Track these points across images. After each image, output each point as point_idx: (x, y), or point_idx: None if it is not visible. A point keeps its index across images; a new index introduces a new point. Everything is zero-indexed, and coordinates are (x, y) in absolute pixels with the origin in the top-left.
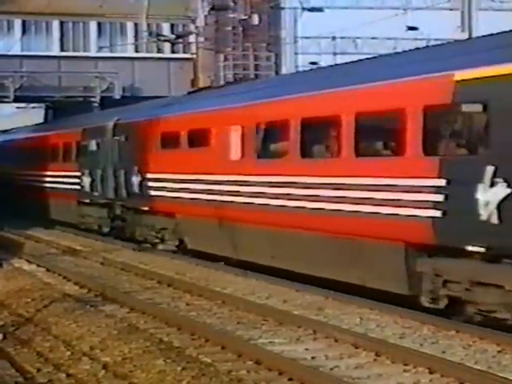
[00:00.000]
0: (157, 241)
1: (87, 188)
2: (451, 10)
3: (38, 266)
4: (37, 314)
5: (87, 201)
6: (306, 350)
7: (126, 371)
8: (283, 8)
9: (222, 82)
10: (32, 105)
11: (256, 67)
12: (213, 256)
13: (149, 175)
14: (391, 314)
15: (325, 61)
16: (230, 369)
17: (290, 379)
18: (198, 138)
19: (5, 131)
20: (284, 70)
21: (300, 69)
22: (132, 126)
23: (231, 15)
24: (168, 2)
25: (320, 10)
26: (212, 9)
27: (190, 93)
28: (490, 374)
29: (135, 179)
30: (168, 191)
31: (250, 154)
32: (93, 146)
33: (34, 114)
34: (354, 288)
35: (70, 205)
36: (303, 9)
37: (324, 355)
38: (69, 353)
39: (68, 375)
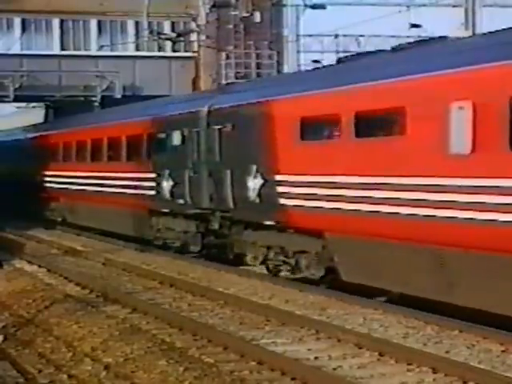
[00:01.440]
0: (288, 267)
1: (166, 194)
2: (455, 6)
3: (40, 266)
4: (38, 315)
5: (166, 210)
6: (309, 350)
7: (128, 372)
8: (285, 5)
9: (223, 81)
10: (32, 104)
11: (258, 65)
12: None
13: (278, 177)
14: (394, 314)
15: (327, 59)
16: (232, 369)
17: (293, 379)
18: (376, 123)
19: (33, 125)
20: (286, 69)
21: (302, 67)
22: (242, 111)
23: (233, 13)
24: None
25: (322, 7)
26: (213, 6)
27: (339, 61)
28: (494, 374)
29: (252, 183)
30: (315, 200)
31: (493, 144)
32: (175, 138)
33: (35, 114)
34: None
35: (136, 215)
36: (305, 6)
37: (327, 355)
38: (70, 354)
39: (69, 376)
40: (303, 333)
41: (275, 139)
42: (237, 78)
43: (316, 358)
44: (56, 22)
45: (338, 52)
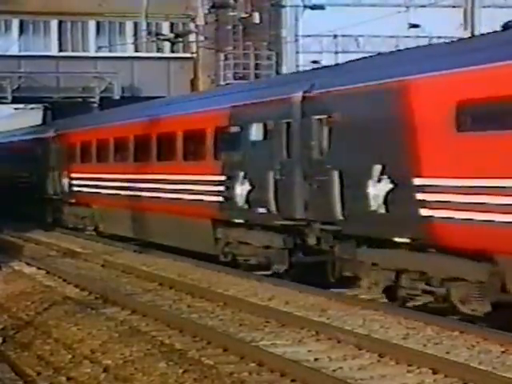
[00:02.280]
0: (430, 298)
1: (240, 201)
2: (454, 7)
3: (38, 268)
4: (37, 317)
5: (239, 221)
6: (309, 351)
7: (128, 374)
8: (284, 6)
9: (222, 82)
10: (30, 106)
11: (257, 66)
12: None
13: (419, 181)
14: (395, 315)
15: (326, 59)
16: (232, 371)
17: (293, 381)
18: None
19: (53, 122)
20: (285, 69)
21: (301, 68)
22: (359, 96)
23: (231, 13)
24: (167, 0)
25: (321, 7)
26: (212, 7)
27: (506, 27)
28: (494, 375)
29: (374, 188)
30: (481, 211)
31: None
32: (255, 132)
33: (33, 115)
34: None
35: (195, 225)
36: (304, 6)
37: (327, 356)
38: (69, 356)
39: (69, 379)
40: (303, 334)
41: (415, 131)
42: (235, 79)
43: (316, 359)
44: (54, 24)
45: (336, 52)
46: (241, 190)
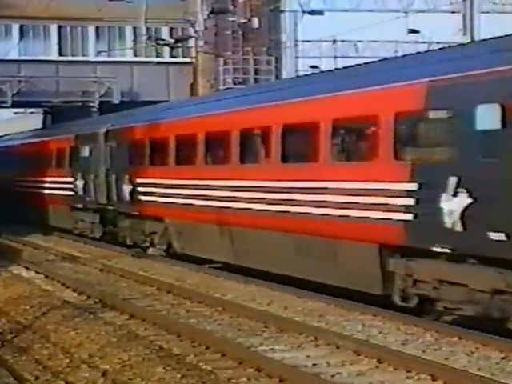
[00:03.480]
0: None
1: (449, 220)
2: (453, 12)
3: (37, 272)
4: (35, 322)
5: (441, 249)
6: (308, 357)
7: (126, 379)
8: (283, 11)
9: (221, 87)
10: (30, 110)
11: (256, 71)
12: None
13: None
14: (393, 321)
15: (325, 65)
16: (230, 376)
17: None
18: None
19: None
20: (284, 74)
21: (300, 73)
22: None
23: (231, 19)
24: (167, 5)
25: (320, 13)
26: (211, 12)
27: None
28: (493, 381)
29: None
30: None
31: None
32: (482, 118)
33: (32, 120)
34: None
35: (347, 251)
36: (303, 12)
37: (325, 362)
38: (68, 360)
39: (67, 383)
40: (302, 339)
41: None
42: (235, 84)
43: (314, 364)
44: (54, 28)
45: (336, 58)
46: (451, 204)
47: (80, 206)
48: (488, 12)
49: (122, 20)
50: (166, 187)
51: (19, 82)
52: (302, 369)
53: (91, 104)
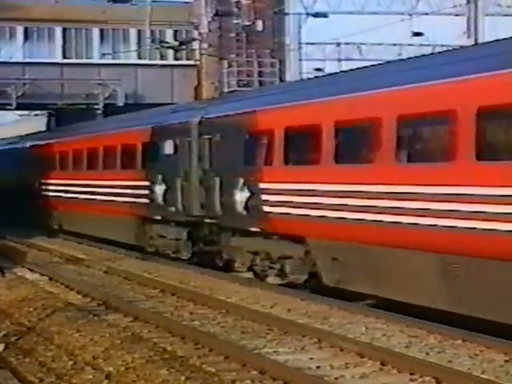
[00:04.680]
0: None
1: None
2: (457, 15)
3: (41, 274)
4: (39, 324)
5: None
6: (311, 359)
7: (130, 381)
8: (287, 14)
9: (226, 89)
10: (34, 112)
11: (260, 74)
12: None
13: None
14: (397, 323)
15: (329, 67)
16: (234, 378)
17: None
18: None
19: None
20: (288, 77)
21: (304, 76)
22: None
23: (235, 21)
24: (171, 8)
25: (324, 15)
26: (215, 15)
27: None
28: None
29: None
30: None
31: None
32: None
33: (37, 122)
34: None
35: None
36: (307, 14)
37: (329, 364)
38: (71, 362)
39: None
40: (305, 342)
41: None
42: (239, 86)
43: (318, 367)
44: (58, 31)
45: (339, 60)
46: None
47: (158, 217)
48: (492, 15)
49: (126, 22)
50: (316, 195)
51: (24, 84)
52: (306, 371)
53: (96, 106)
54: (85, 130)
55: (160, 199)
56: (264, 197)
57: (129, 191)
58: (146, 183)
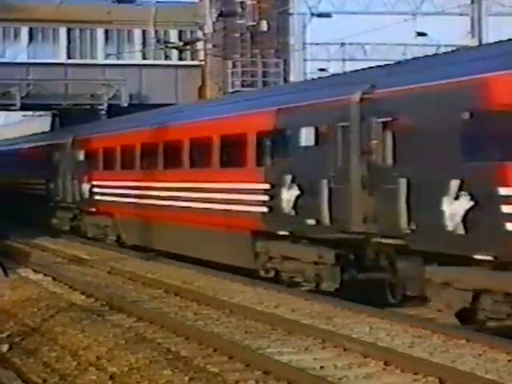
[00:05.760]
0: None
1: None
2: (461, 15)
3: (45, 275)
4: (43, 324)
5: None
6: (315, 359)
7: (133, 381)
8: (292, 14)
9: (230, 89)
10: (38, 113)
11: (264, 74)
12: (220, 264)
13: None
14: (401, 323)
15: (334, 67)
16: (238, 379)
17: None
18: None
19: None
20: (292, 77)
21: (309, 76)
22: None
23: (239, 21)
24: (176, 8)
25: (329, 15)
26: (220, 15)
27: None
28: None
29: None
30: None
31: None
32: None
33: (41, 122)
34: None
35: None
36: (312, 15)
37: (333, 364)
38: (75, 363)
39: None
40: (309, 342)
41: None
42: (243, 86)
43: (322, 367)
44: (63, 31)
45: (344, 60)
46: None
47: (283, 232)
48: (496, 15)
49: (130, 23)
50: None
51: (28, 84)
52: (310, 371)
53: (100, 107)
54: (160, 118)
55: (288, 208)
56: (506, 208)
57: (233, 196)
58: (264, 186)
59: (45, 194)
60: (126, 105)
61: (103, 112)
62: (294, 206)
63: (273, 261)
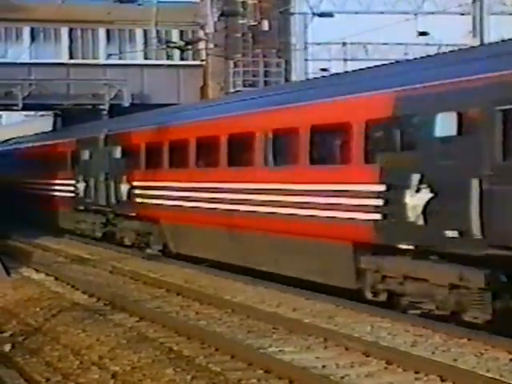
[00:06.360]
0: None
1: None
2: (462, 14)
3: (47, 274)
4: (45, 324)
5: None
6: (317, 358)
7: (136, 380)
8: (293, 14)
9: (231, 89)
10: (40, 113)
11: (266, 74)
12: (222, 264)
13: None
14: (402, 322)
15: (335, 67)
16: (240, 377)
17: None
18: None
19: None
20: (294, 77)
21: (310, 76)
22: None
23: (241, 21)
24: (177, 8)
25: (330, 15)
26: (221, 15)
27: None
28: (502, 382)
29: None
30: None
31: None
32: None
33: (43, 122)
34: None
35: None
36: (313, 14)
37: (335, 363)
38: (78, 362)
39: None
40: (311, 341)
41: None
42: (245, 86)
43: (324, 366)
44: (64, 31)
45: (345, 60)
46: None
47: (405, 245)
48: (498, 14)
49: (132, 23)
50: None
51: (30, 84)
52: (311, 370)
53: (102, 107)
54: (226, 105)
55: (414, 215)
56: None
57: (326, 200)
58: (376, 188)
59: (72, 197)
60: (127, 105)
61: (105, 112)
62: (423, 213)
63: (387, 281)
